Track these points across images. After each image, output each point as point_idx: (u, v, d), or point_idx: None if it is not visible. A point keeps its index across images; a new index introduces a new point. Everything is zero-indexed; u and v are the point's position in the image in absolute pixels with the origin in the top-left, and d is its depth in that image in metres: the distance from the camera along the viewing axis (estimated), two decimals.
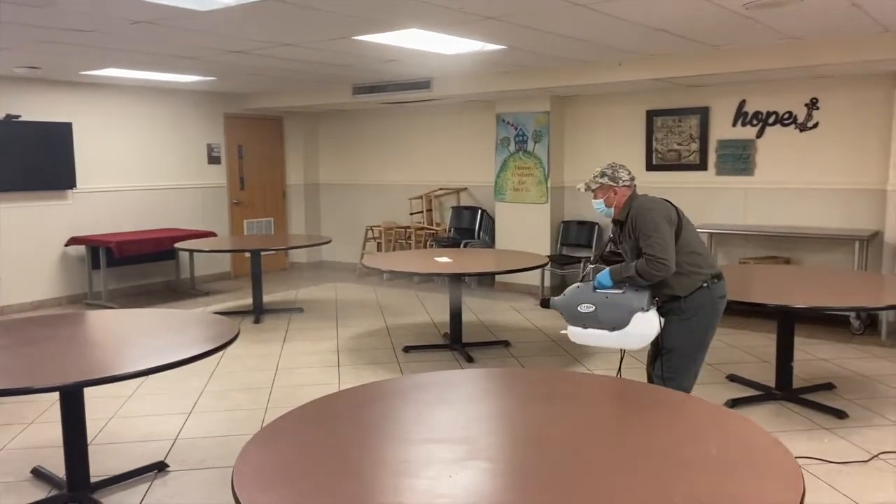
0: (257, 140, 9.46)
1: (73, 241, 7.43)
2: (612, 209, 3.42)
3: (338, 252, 9.71)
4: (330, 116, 9.71)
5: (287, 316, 6.89)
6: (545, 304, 3.50)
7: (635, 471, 1.78)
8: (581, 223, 7.62)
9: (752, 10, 4.20)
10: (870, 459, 3.50)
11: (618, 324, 3.24)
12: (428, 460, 1.87)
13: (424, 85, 7.35)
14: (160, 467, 3.50)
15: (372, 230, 9.13)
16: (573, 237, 7.63)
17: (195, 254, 8.31)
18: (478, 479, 1.75)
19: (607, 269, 3.34)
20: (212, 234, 8.00)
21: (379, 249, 8.93)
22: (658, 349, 3.40)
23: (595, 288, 3.31)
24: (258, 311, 6.83)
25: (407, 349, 5.56)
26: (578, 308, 3.29)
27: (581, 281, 3.50)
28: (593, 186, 3.41)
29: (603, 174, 3.40)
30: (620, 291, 3.26)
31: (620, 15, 4.32)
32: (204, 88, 8.24)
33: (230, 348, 5.61)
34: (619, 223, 3.45)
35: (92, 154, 7.66)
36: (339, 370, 5.10)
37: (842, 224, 6.27)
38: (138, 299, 7.68)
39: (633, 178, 3.44)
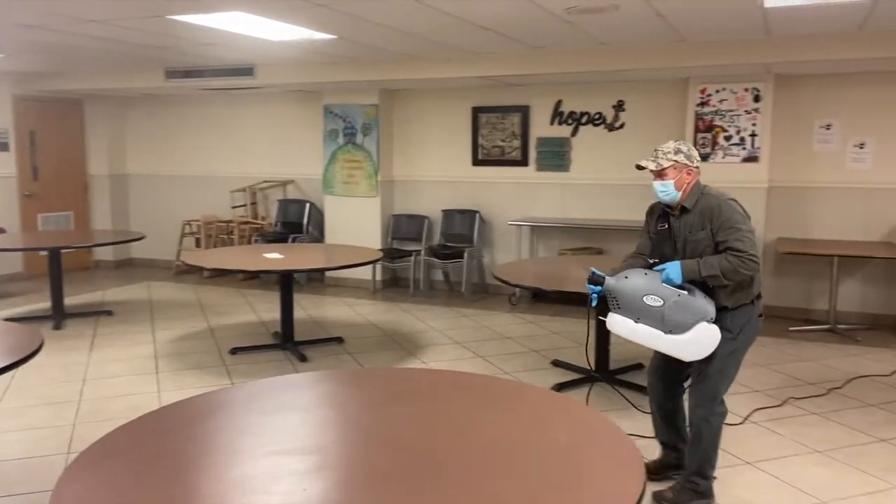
0: (54, 126, 8.49)
1: None
2: (679, 194, 2.95)
3: (150, 249, 8.96)
4: (140, 101, 8.94)
5: (94, 320, 6.26)
6: (597, 281, 2.99)
7: (490, 464, 1.79)
8: (411, 217, 7.68)
9: (572, 15, 4.44)
10: None
11: (678, 328, 2.84)
12: (278, 474, 1.75)
13: (247, 72, 7.00)
14: None
15: (190, 225, 8.56)
16: (404, 231, 7.67)
17: None
18: (334, 490, 1.68)
19: (677, 263, 2.88)
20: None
21: (198, 245, 8.39)
22: (692, 367, 3.03)
23: (662, 281, 2.88)
24: (59, 316, 6.13)
25: (234, 351, 5.27)
26: (644, 298, 2.87)
27: (648, 269, 3.00)
28: (665, 164, 2.93)
29: (678, 150, 2.95)
30: (687, 293, 2.86)
31: (449, 11, 4.37)
32: None
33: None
34: (661, 214, 3.08)
35: None
36: (158, 377, 4.71)
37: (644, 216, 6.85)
38: None
39: (700, 162, 3.04)
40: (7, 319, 6.00)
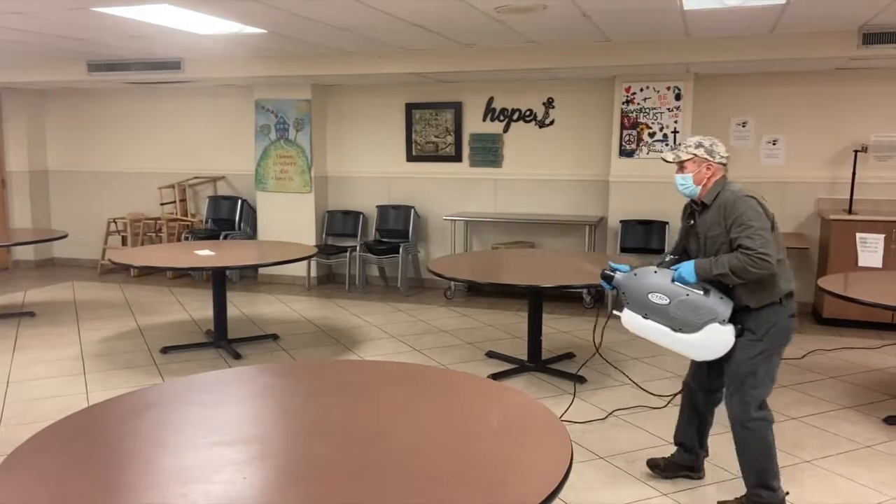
0: None
1: None
2: (699, 189, 2.91)
3: (73, 248, 8.66)
4: (61, 95, 8.61)
5: (14, 321, 6.03)
6: (607, 278, 3.03)
7: (425, 449, 1.86)
8: (346, 213, 7.67)
9: (502, 14, 4.55)
10: (606, 417, 4.02)
11: (687, 327, 2.83)
12: (218, 464, 1.78)
13: (174, 65, 6.85)
14: None
15: (115, 223, 8.31)
16: (338, 227, 7.66)
17: None
18: (274, 478, 1.71)
19: (692, 261, 2.88)
20: None
21: (125, 244, 8.16)
22: (723, 372, 2.97)
23: (674, 279, 2.87)
24: None
25: (165, 350, 5.18)
26: (649, 296, 2.88)
27: (659, 266, 3.02)
28: (683, 157, 2.91)
29: (699, 144, 2.90)
30: (701, 292, 2.83)
31: (379, 6, 4.41)
32: None
33: None
34: (691, 210, 3.02)
35: None
36: (86, 378, 4.59)
37: (575, 211, 7.07)
38: None
39: (728, 158, 2.96)
40: None
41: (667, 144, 6.54)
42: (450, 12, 4.54)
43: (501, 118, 7.24)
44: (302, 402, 2.28)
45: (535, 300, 4.87)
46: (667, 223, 6.55)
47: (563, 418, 3.95)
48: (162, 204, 8.21)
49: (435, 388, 2.40)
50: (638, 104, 6.60)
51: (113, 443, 1.90)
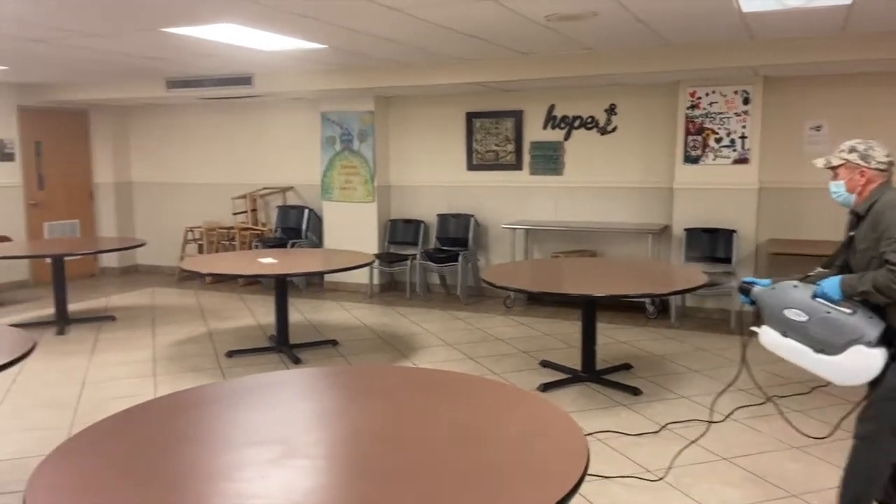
0: (59, 135, 8.67)
1: None
2: (853, 197, 2.71)
3: (155, 255, 9.15)
4: (143, 111, 9.12)
5: (96, 325, 6.40)
6: (745, 290, 2.89)
7: (443, 453, 1.89)
8: (407, 221, 7.79)
9: (553, 22, 4.54)
10: (659, 430, 3.93)
11: (828, 347, 2.62)
12: (242, 463, 1.86)
13: (245, 81, 7.14)
14: None
15: (192, 231, 8.71)
16: (400, 235, 7.78)
17: None
18: (292, 477, 1.78)
19: (837, 277, 2.67)
20: (5, 239, 7.23)
21: (201, 251, 8.55)
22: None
23: (815, 295, 2.67)
24: (62, 322, 6.28)
25: (231, 354, 5.39)
26: (785, 311, 2.71)
27: (802, 280, 2.84)
28: (834, 162, 2.71)
29: (852, 149, 2.68)
30: (849, 311, 2.60)
31: (434, 20, 4.48)
32: None
33: (29, 363, 5.15)
34: (851, 221, 2.81)
35: None
36: (156, 380, 4.84)
37: (638, 219, 6.94)
38: None
39: (891, 163, 2.67)
40: (12, 325, 6.17)
41: (734, 150, 6.34)
42: (501, 22, 4.57)
43: (562, 126, 7.19)
44: (334, 407, 2.34)
45: (589, 309, 4.81)
46: (734, 231, 6.34)
47: (612, 430, 3.89)
48: (234, 213, 8.55)
49: (464, 395, 2.42)
50: (703, 109, 6.43)
51: (152, 439, 2.02)
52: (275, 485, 1.73)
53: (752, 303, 2.89)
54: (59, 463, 1.86)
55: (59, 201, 8.70)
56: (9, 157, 8.06)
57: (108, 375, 4.95)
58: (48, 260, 7.46)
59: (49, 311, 6.82)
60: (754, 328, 2.90)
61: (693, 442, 3.69)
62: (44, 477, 1.77)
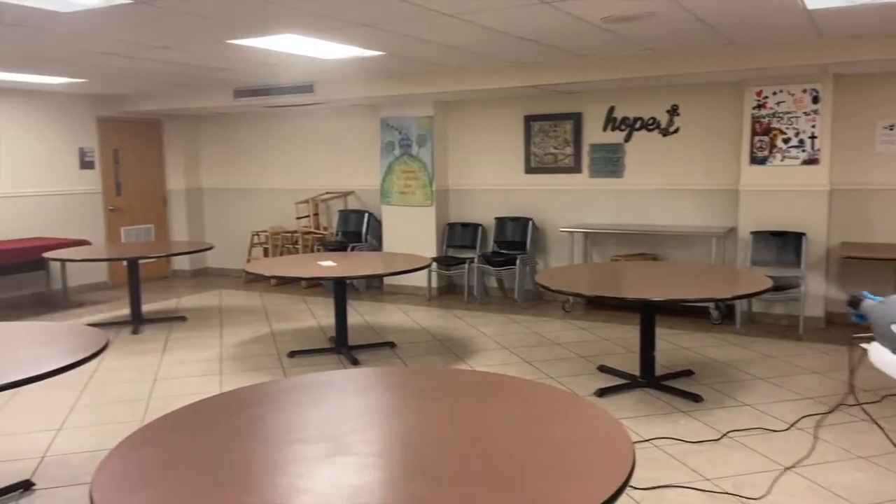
0: (134, 144, 9.09)
1: None
2: None
3: (223, 258, 9.50)
4: (212, 119, 9.48)
5: (168, 325, 6.68)
6: (854, 304, 2.75)
7: (490, 453, 1.91)
8: (465, 225, 7.82)
9: (609, 24, 4.50)
10: (720, 438, 3.83)
11: None
12: (294, 459, 1.93)
13: (307, 89, 7.34)
14: (25, 486, 3.35)
15: (258, 235, 8.99)
16: (458, 239, 7.82)
17: (67, 264, 7.91)
18: (340, 474, 1.83)
19: None
20: (85, 243, 7.62)
21: (266, 255, 8.81)
22: None
23: None
24: (137, 322, 6.59)
25: (292, 354, 5.54)
26: (892, 326, 2.57)
27: None
28: None
29: None
30: None
31: (489, 25, 4.51)
32: (74, 90, 7.84)
33: (105, 360, 5.43)
34: None
35: None
36: (221, 378, 5.02)
37: (701, 222, 6.78)
38: (4, 313, 7.22)
39: None
40: (91, 325, 6.50)
41: (803, 150, 6.13)
42: (556, 25, 4.56)
43: (623, 127, 7.10)
44: (385, 406, 2.39)
45: (648, 314, 4.73)
46: (803, 234, 6.12)
47: (671, 437, 3.82)
48: (298, 218, 8.78)
49: (513, 398, 2.43)
50: (770, 109, 6.23)
51: (211, 433, 2.11)
52: (323, 480, 1.79)
53: (863, 318, 2.69)
54: (124, 454, 1.97)
55: (134, 207, 9.11)
56: (89, 165, 8.50)
57: (178, 373, 5.16)
58: (124, 263, 7.84)
59: (125, 311, 7.18)
60: (863, 344, 2.72)
61: (791, 467, 3.59)
62: (110, 467, 1.88)
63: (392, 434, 2.12)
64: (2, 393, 4.69)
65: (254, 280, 8.90)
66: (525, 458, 1.89)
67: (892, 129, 6.00)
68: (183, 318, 6.94)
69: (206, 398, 2.50)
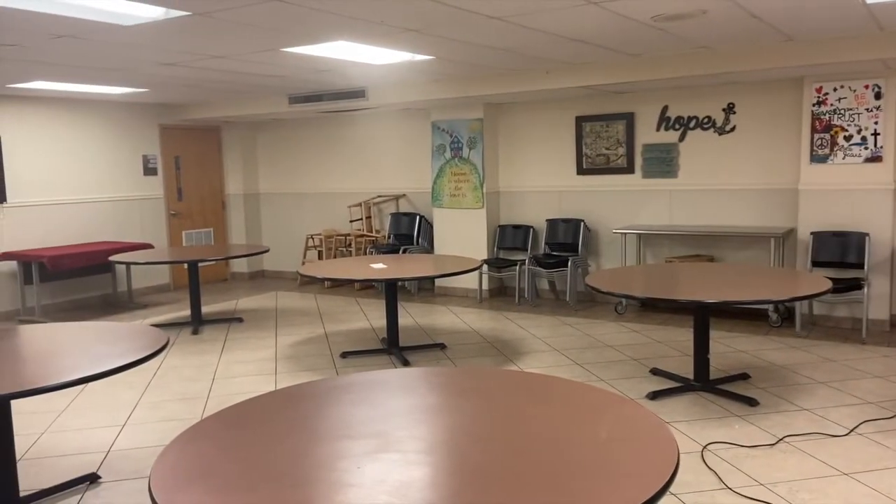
0: (195, 150, 9.40)
1: (5, 256, 7.28)
2: None
3: (279, 261, 9.74)
4: (268, 125, 9.72)
5: (226, 326, 6.89)
6: None
7: (532, 453, 1.93)
8: (517, 227, 7.82)
9: (660, 22, 4.45)
10: (776, 443, 3.74)
11: None
12: (341, 455, 1.98)
13: (360, 94, 7.46)
14: (92, 479, 3.52)
15: (312, 238, 9.17)
16: (509, 241, 7.82)
17: (132, 266, 8.24)
18: (385, 469, 1.88)
19: None
20: (149, 246, 7.92)
21: (320, 257, 8.98)
22: None
23: None
24: (197, 322, 6.81)
25: (345, 354, 5.65)
26: None
27: None
28: None
29: None
30: None
31: (536, 27, 4.51)
32: (137, 100, 8.17)
33: (167, 360, 5.64)
34: None
35: (22, 167, 7.52)
36: (276, 377, 5.15)
37: (759, 222, 6.62)
38: (74, 314, 7.56)
39: None
40: (154, 325, 6.76)
41: (866, 148, 5.92)
42: (606, 25, 4.53)
43: (677, 127, 6.98)
44: (431, 405, 2.43)
45: (701, 316, 4.65)
46: (867, 235, 5.91)
47: (725, 441, 3.75)
48: (351, 221, 8.93)
49: (557, 398, 2.44)
50: (831, 105, 6.04)
51: (264, 430, 2.19)
52: (369, 476, 1.83)
53: None
54: (182, 448, 2.06)
55: (195, 211, 9.42)
56: (153, 172, 8.84)
57: (235, 372, 5.32)
58: (185, 265, 8.11)
59: (186, 312, 7.43)
60: None
61: None
62: (168, 460, 1.97)
63: (437, 432, 2.16)
64: (69, 390, 4.93)
65: (308, 282, 9.09)
66: (568, 458, 1.90)
67: None
68: (240, 320, 7.14)
69: (259, 396, 2.58)
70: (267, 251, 7.23)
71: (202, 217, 9.53)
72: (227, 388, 4.96)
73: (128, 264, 7.66)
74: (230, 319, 7.14)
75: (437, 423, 2.23)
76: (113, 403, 4.68)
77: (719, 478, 3.33)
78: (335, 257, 8.73)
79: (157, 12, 3.85)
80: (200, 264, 7.10)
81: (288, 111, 8.17)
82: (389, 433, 2.15)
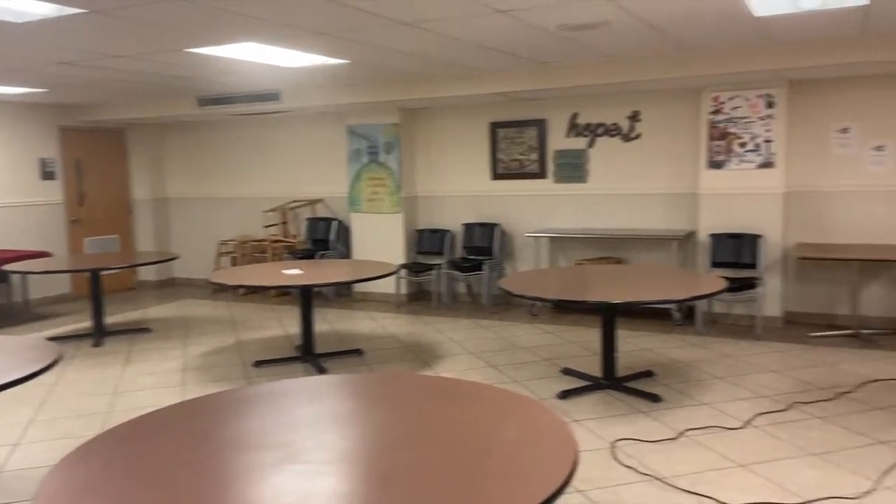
0: (98, 154, 8.98)
1: None
2: None
3: (190, 268, 9.42)
4: (177, 128, 9.40)
5: (131, 337, 6.61)
6: None
7: (438, 457, 1.94)
8: (434, 231, 7.86)
9: (566, 32, 4.57)
10: (677, 437, 3.90)
11: None
12: (243, 468, 1.93)
13: (273, 97, 7.32)
14: None
15: (226, 244, 8.93)
16: (427, 245, 7.85)
17: (29, 276, 7.79)
18: (287, 481, 1.85)
19: None
20: (46, 254, 7.51)
21: (234, 264, 8.75)
22: None
23: None
24: (99, 334, 6.50)
25: (258, 364, 5.52)
26: None
27: None
28: None
29: None
30: None
31: (448, 33, 4.56)
32: (35, 100, 7.74)
33: (65, 374, 5.35)
34: None
35: None
36: (184, 389, 4.98)
37: (663, 225, 6.90)
38: None
39: None
40: (51, 338, 6.41)
41: (759, 154, 6.27)
42: (515, 33, 4.62)
43: (586, 133, 7.19)
44: (339, 412, 2.41)
45: (608, 317, 4.80)
46: (760, 236, 6.25)
47: (630, 437, 3.88)
48: (266, 226, 8.74)
49: (465, 401, 2.47)
50: (727, 114, 6.37)
51: (162, 444, 2.11)
52: (270, 489, 1.80)
53: None
54: (71, 467, 1.96)
55: (98, 217, 9.00)
56: (50, 176, 8.39)
57: (139, 385, 5.11)
58: (86, 274, 7.72)
59: (87, 323, 7.08)
60: None
61: None
62: (55, 480, 1.87)
63: (345, 440, 2.14)
64: None
65: (222, 290, 8.84)
66: (472, 461, 1.92)
67: (845, 133, 6.16)
68: (147, 330, 6.86)
69: (159, 409, 2.49)
70: (176, 258, 6.99)
71: (106, 223, 9.11)
72: (130, 402, 4.76)
73: (23, 273, 7.24)
74: (136, 330, 6.85)
75: (346, 432, 2.21)
76: (6, 422, 4.40)
77: (624, 473, 3.45)
78: (249, 263, 8.52)
79: (49, 9, 3.66)
80: (104, 273, 6.77)
81: (197, 113, 7.93)
82: (296, 444, 2.12)
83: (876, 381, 4.70)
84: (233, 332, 6.68)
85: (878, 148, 6.08)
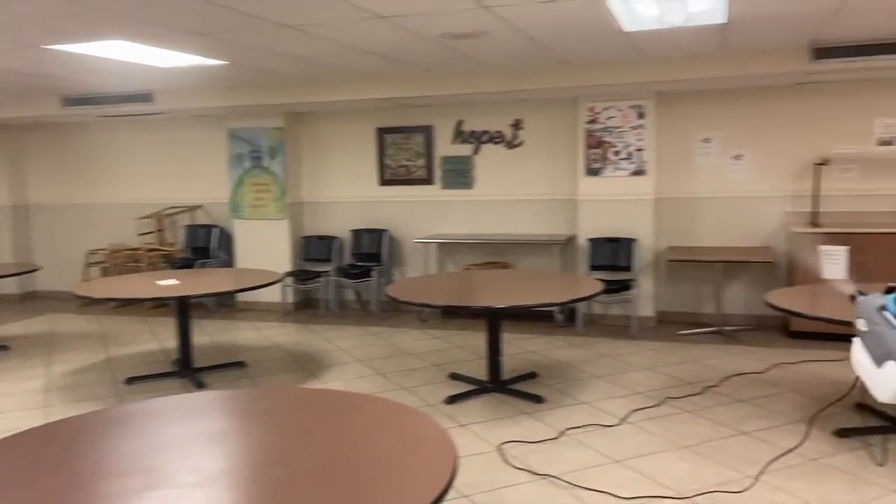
0: None
1: None
2: None
3: (55, 280, 8.77)
4: (39, 130, 8.74)
5: None
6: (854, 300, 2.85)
7: (316, 471, 1.89)
8: (321, 238, 7.72)
9: (447, 40, 4.63)
10: (558, 436, 4.02)
11: (874, 360, 2.64)
12: (102, 496, 1.80)
13: (146, 98, 6.96)
14: None
15: (96, 254, 8.38)
16: (314, 252, 7.71)
17: None
18: None
19: None
20: None
21: (105, 275, 8.23)
22: None
23: (883, 307, 2.65)
24: None
25: (130, 380, 5.21)
26: (857, 321, 2.71)
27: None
28: None
29: None
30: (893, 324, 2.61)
31: (329, 36, 4.49)
32: None
33: None
34: None
35: None
36: (46, 411, 4.62)
37: (546, 230, 7.12)
38: None
39: None
40: None
41: (632, 162, 6.59)
42: (397, 40, 4.62)
43: (471, 140, 7.31)
44: (217, 430, 2.30)
45: (493, 321, 4.89)
46: (634, 240, 6.57)
47: (514, 440, 3.96)
48: (140, 234, 8.29)
49: (343, 413, 2.43)
50: (602, 123, 6.66)
51: (11, 471, 1.93)
52: None
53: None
54: None
55: None
56: None
57: None
58: None
59: None
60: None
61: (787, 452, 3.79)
62: None
63: (218, 460, 2.04)
64: None
65: (92, 303, 8.28)
66: (351, 473, 1.89)
67: (708, 142, 6.59)
68: (5, 348, 6.33)
69: (15, 434, 2.29)
70: (37, 270, 6.49)
71: None
72: None
73: None
74: None
75: (220, 451, 2.12)
76: None
77: (509, 475, 3.51)
78: (121, 274, 8.03)
79: None
80: None
81: (62, 114, 7.40)
82: (161, 467, 2.00)
83: (738, 374, 5.05)
84: (103, 348, 6.27)
85: (737, 157, 6.55)
